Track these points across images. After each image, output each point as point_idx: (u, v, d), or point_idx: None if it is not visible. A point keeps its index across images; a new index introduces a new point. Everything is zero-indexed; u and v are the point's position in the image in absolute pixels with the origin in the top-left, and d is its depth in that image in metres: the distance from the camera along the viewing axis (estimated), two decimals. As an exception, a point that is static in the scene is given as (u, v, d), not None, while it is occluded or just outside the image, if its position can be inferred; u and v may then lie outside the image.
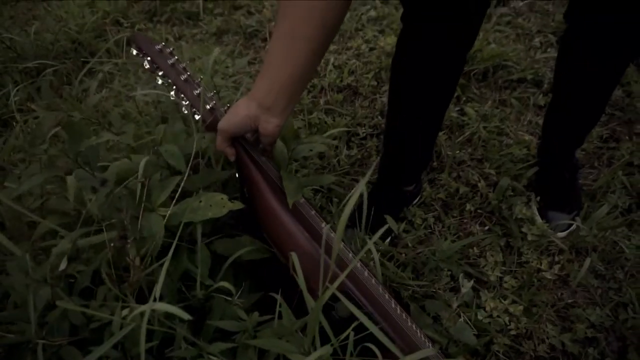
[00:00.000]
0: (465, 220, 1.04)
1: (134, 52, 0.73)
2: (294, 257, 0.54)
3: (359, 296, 0.59)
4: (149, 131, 0.89)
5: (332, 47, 1.51)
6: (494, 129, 1.21)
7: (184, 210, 0.60)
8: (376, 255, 0.74)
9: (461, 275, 0.90)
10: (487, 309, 0.85)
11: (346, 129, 1.18)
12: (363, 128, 1.21)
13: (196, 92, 0.71)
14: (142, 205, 0.61)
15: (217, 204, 0.61)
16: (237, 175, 0.70)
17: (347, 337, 0.50)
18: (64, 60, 1.50)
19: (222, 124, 0.64)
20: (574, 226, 0.99)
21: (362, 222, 0.83)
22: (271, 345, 0.51)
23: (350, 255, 0.65)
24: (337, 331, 0.51)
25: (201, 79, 0.76)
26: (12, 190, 0.64)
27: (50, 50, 1.50)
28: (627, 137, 1.20)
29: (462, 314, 0.84)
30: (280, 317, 0.56)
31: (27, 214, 0.62)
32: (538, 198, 1.03)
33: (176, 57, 0.74)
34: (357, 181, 1.05)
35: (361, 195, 0.83)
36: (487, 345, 0.83)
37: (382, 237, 0.95)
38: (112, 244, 0.56)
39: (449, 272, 0.91)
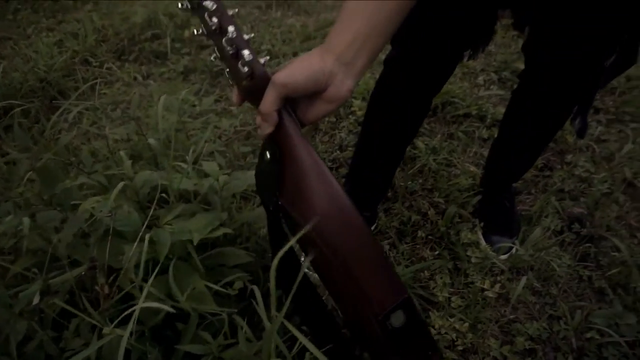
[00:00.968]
0: (417, 246, 1.13)
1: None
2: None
3: None
4: (120, 170, 0.95)
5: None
6: (443, 161, 1.33)
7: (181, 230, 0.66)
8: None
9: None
10: (436, 326, 0.93)
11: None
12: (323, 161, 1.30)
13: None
14: (110, 236, 0.66)
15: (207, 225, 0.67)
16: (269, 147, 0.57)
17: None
18: (32, 99, 1.54)
19: (283, 76, 0.50)
20: (514, 249, 1.10)
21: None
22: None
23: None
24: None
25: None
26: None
27: (19, 89, 1.54)
28: (559, 166, 1.34)
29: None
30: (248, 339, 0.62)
31: None
32: (482, 224, 1.14)
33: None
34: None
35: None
36: (436, 361, 0.90)
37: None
38: (82, 274, 0.61)
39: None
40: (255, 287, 0.64)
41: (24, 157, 0.81)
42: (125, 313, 0.53)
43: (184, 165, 0.84)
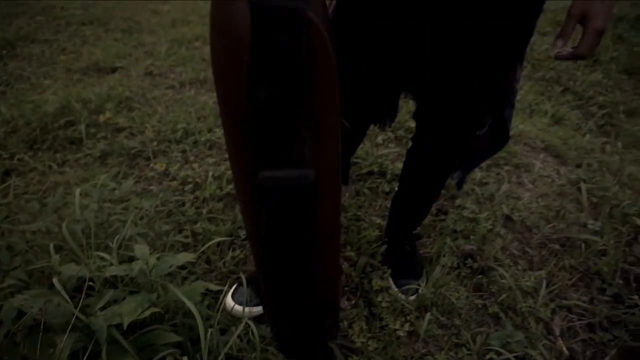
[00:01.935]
0: (336, 298, 1.24)
1: None
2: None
3: None
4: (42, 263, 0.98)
5: (210, 160, 1.72)
6: (353, 217, 1.48)
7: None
8: (257, 339, 0.89)
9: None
10: (357, 370, 1.03)
11: (227, 238, 1.34)
12: (243, 230, 1.39)
13: None
14: (41, 331, 0.70)
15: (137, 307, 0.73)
16: None
17: None
18: (-63, 199, 1.50)
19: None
20: (420, 289, 1.24)
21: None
22: None
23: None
24: None
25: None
26: None
27: None
28: (451, 210, 1.54)
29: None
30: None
31: None
32: (390, 270, 1.28)
33: None
34: (240, 279, 1.21)
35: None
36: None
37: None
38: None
39: (326, 345, 1.08)
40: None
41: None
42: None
43: (106, 256, 0.89)
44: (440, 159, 1.09)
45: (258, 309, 1.12)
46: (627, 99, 2.52)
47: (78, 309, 0.72)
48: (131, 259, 1.00)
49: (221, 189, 1.55)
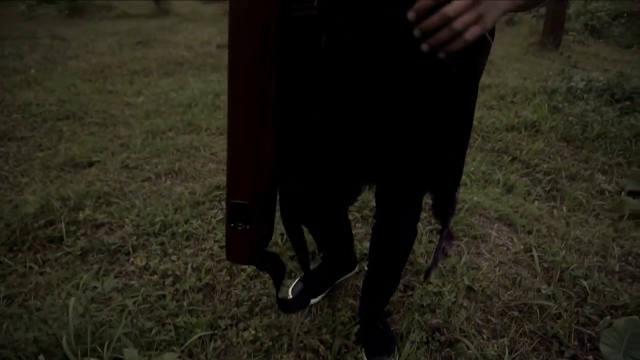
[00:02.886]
0: (315, 382, 1.31)
1: None
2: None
3: None
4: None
5: (188, 251, 1.80)
6: (326, 297, 1.57)
7: None
8: None
9: None
10: None
11: (208, 332, 1.40)
12: (223, 320, 1.46)
13: None
14: None
15: None
16: None
17: None
18: None
19: None
20: (393, 365, 1.33)
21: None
22: None
23: None
24: None
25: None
26: None
27: None
28: (418, 285, 1.66)
29: None
30: None
31: None
32: (364, 349, 1.37)
33: None
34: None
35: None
36: None
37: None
38: None
39: None
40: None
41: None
42: None
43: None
44: (395, 243, 1.22)
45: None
46: (568, 165, 2.78)
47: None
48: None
49: (200, 280, 1.63)
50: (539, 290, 1.67)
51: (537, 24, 7.56)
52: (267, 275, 1.63)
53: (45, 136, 3.07)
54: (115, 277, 1.68)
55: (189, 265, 1.70)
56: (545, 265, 1.80)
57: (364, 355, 1.36)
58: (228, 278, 1.65)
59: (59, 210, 2.03)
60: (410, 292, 1.63)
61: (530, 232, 2.04)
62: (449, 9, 0.65)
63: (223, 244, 1.82)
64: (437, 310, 1.54)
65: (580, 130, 3.18)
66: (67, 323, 1.21)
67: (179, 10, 11.36)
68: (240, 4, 0.79)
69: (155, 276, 1.66)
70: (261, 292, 1.58)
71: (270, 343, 1.38)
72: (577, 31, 8.13)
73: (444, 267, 1.74)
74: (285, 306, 1.20)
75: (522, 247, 1.93)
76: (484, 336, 1.47)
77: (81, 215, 2.02)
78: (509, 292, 1.66)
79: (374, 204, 2.12)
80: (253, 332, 1.41)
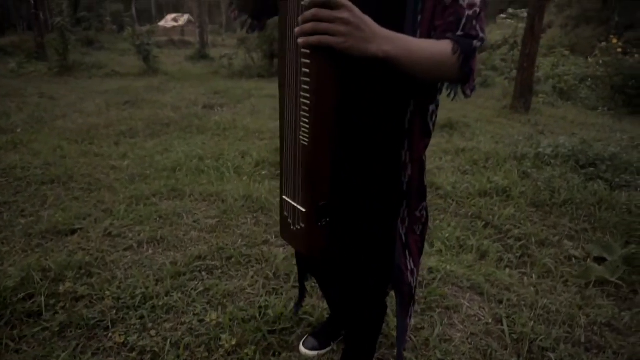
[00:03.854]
0: None
1: None
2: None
3: None
4: None
5: (167, 325, 1.83)
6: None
7: None
8: None
9: None
10: None
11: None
12: (200, 401, 1.48)
13: None
14: None
15: None
16: None
17: None
18: None
19: None
20: None
21: None
22: None
23: None
24: None
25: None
26: None
27: None
28: (391, 359, 1.71)
29: None
30: None
31: None
32: None
33: None
34: None
35: None
36: None
37: None
38: None
39: None
40: None
41: None
42: None
43: None
44: (359, 321, 1.32)
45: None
46: (537, 230, 2.91)
47: None
48: None
49: (178, 357, 1.65)
50: (508, 363, 1.72)
51: (510, 86, 8.01)
52: (244, 350, 1.67)
53: (29, 201, 3.10)
54: (93, 354, 1.69)
55: (168, 341, 1.72)
56: (515, 336, 1.87)
57: None
58: (206, 354, 1.67)
59: (39, 282, 2.04)
60: (385, 367, 1.67)
61: (500, 302, 2.12)
62: (322, 11, 0.74)
63: (202, 317, 1.86)
64: (411, 386, 1.58)
65: (548, 195, 3.35)
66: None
67: (168, 70, 11.75)
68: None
69: (134, 353, 1.68)
70: (238, 369, 1.61)
71: None
72: (547, 93, 8.64)
73: (417, 340, 1.80)
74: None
75: (493, 317, 2.00)
76: (456, 413, 1.51)
77: (62, 288, 2.03)
78: (480, 366, 1.71)
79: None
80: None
